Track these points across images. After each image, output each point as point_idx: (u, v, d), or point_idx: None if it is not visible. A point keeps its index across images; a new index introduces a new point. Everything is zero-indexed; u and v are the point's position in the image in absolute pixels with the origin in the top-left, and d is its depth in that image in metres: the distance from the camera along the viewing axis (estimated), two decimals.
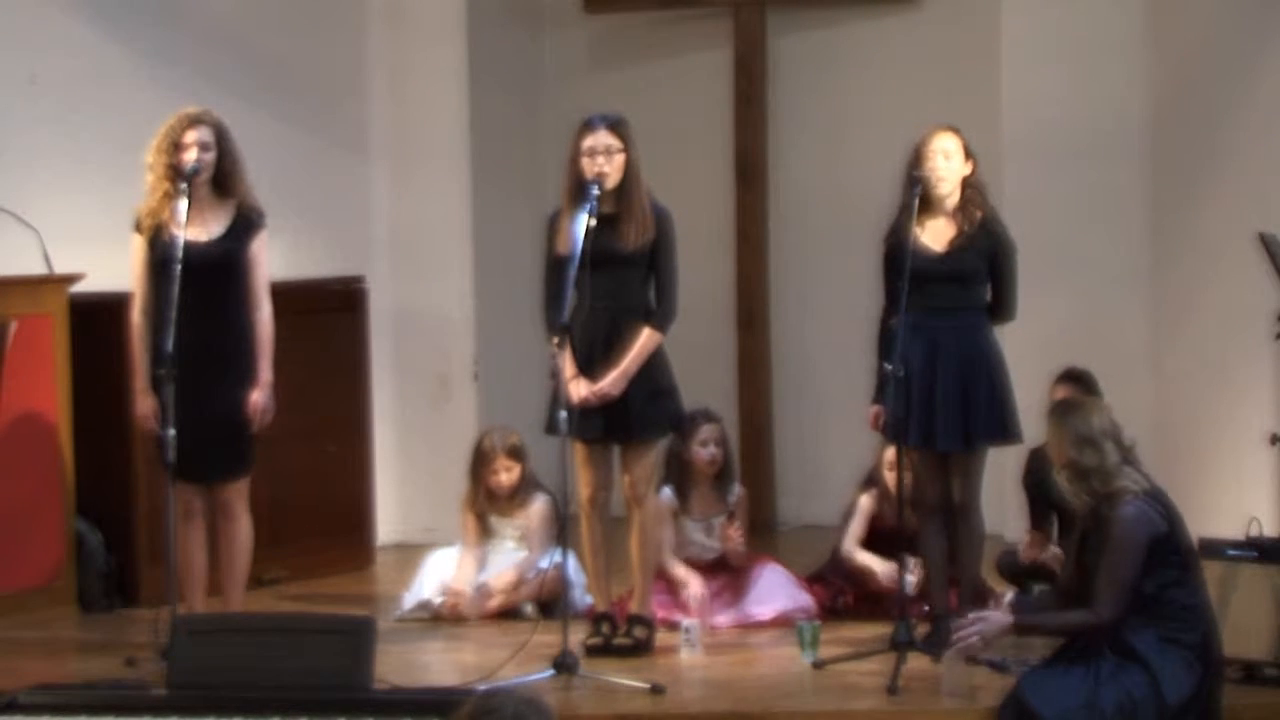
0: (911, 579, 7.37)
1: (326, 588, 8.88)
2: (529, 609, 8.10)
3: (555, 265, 7.24)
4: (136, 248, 7.39)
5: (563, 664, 6.88)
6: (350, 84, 9.92)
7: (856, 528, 8.12)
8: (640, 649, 7.35)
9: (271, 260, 7.51)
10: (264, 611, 7.51)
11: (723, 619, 7.86)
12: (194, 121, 7.33)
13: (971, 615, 6.52)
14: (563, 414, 7.03)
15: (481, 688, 6.19)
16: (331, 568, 9.13)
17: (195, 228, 7.26)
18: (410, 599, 8.21)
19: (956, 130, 7.37)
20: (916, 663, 6.87)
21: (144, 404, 7.30)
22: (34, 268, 8.44)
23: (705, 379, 9.19)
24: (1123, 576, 6.16)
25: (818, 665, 7.13)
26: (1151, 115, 9.41)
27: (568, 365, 7.16)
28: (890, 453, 7.75)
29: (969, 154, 7.34)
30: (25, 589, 8.25)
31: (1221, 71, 9.01)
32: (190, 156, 7.28)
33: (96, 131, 8.71)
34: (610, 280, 7.22)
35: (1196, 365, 9.11)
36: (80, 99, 8.79)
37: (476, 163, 9.97)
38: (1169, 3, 9.34)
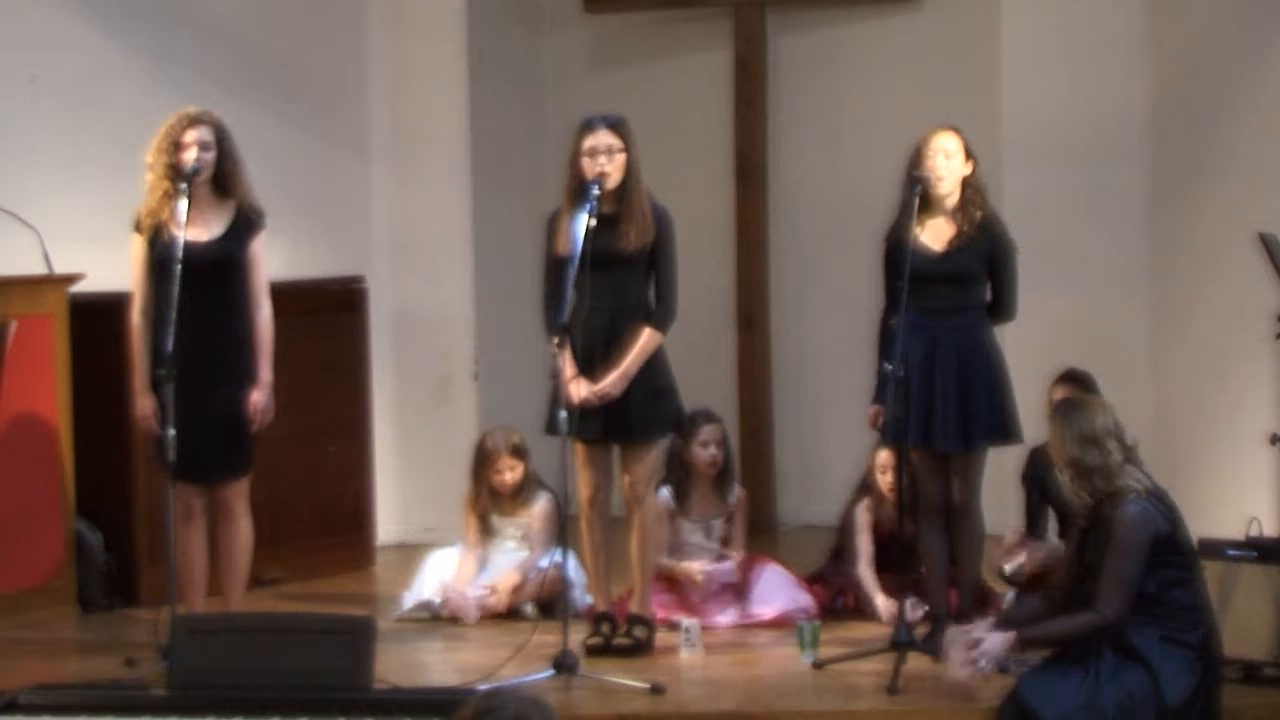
0: (914, 616, 7.30)
1: (326, 588, 8.88)
2: (529, 609, 8.10)
3: (555, 265, 7.24)
4: (136, 248, 7.39)
5: (563, 664, 6.88)
6: (350, 84, 9.93)
7: (865, 545, 8.06)
8: (640, 649, 7.35)
9: (271, 260, 7.51)
10: (264, 611, 7.51)
11: (723, 619, 7.86)
12: (194, 121, 7.32)
13: (973, 636, 6.44)
14: (563, 414, 7.03)
15: (482, 688, 6.19)
16: (331, 568, 9.13)
17: (195, 228, 7.26)
18: (410, 599, 8.21)
19: (957, 130, 7.37)
20: (916, 663, 6.87)
21: (144, 404, 7.30)
22: (34, 268, 8.44)
23: (705, 379, 9.19)
24: (1127, 575, 6.16)
25: (818, 665, 7.13)
26: (1151, 115, 9.41)
27: (568, 365, 7.16)
28: (882, 456, 7.76)
29: (969, 154, 7.35)
30: (25, 589, 8.25)
31: (1221, 72, 9.01)
32: (190, 156, 7.28)
33: (96, 131, 8.71)
34: (610, 280, 7.22)
35: (1196, 365, 9.11)
36: (80, 99, 8.79)
37: (476, 163, 9.98)
38: (1169, 3, 9.34)
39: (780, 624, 7.78)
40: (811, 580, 8.17)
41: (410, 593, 8.25)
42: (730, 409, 9.89)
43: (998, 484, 8.08)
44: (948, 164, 7.30)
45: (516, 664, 7.09)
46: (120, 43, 8.96)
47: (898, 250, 7.23)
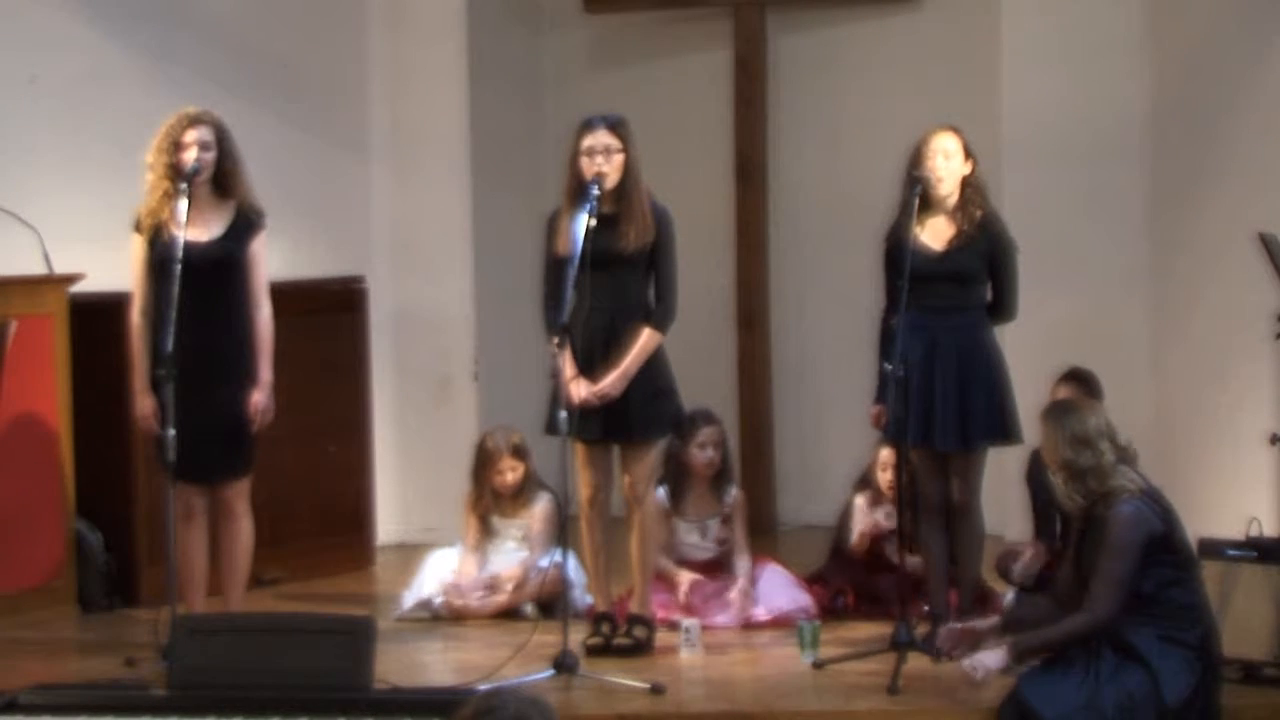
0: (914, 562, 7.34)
1: (326, 588, 8.88)
2: (529, 609, 8.09)
3: (555, 265, 7.24)
4: (136, 248, 7.39)
5: (563, 664, 6.88)
6: (350, 84, 9.93)
7: (858, 525, 8.09)
8: (640, 649, 7.35)
9: (271, 260, 7.51)
10: (264, 611, 7.51)
11: (723, 619, 7.85)
12: (194, 121, 7.32)
13: (966, 662, 6.44)
14: (563, 414, 7.03)
15: (482, 688, 6.19)
16: (331, 568, 9.13)
17: (195, 228, 7.25)
18: (410, 598, 8.21)
19: (956, 130, 7.38)
20: (916, 663, 6.87)
21: (144, 404, 7.30)
22: (34, 268, 8.44)
23: (705, 379, 9.19)
24: (1119, 575, 6.16)
25: (818, 665, 7.13)
26: (1151, 115, 9.41)
27: (568, 365, 7.16)
28: (885, 454, 7.75)
29: (969, 154, 7.35)
30: (25, 589, 8.25)
31: (1221, 72, 9.01)
32: (190, 156, 7.28)
33: (96, 131, 8.71)
34: (610, 280, 7.22)
35: (1196, 365, 9.11)
36: (80, 99, 8.79)
37: (476, 163, 9.98)
38: (1169, 3, 9.34)
39: (780, 624, 7.78)
40: (811, 580, 8.17)
41: (410, 592, 8.25)
42: (730, 409, 9.90)
43: (998, 484, 8.08)
44: (947, 164, 7.31)
45: (516, 664, 7.09)
46: (120, 43, 8.96)
47: (898, 250, 7.23)
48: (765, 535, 9.62)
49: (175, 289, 7.07)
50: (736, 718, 6.67)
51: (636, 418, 7.30)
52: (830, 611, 7.93)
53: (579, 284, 7.04)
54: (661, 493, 7.98)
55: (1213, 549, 6.82)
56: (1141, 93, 9.42)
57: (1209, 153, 9.08)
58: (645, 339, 7.27)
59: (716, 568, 8.12)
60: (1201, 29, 9.18)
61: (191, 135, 7.29)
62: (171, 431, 7.01)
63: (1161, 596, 6.20)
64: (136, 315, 7.38)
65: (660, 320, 7.32)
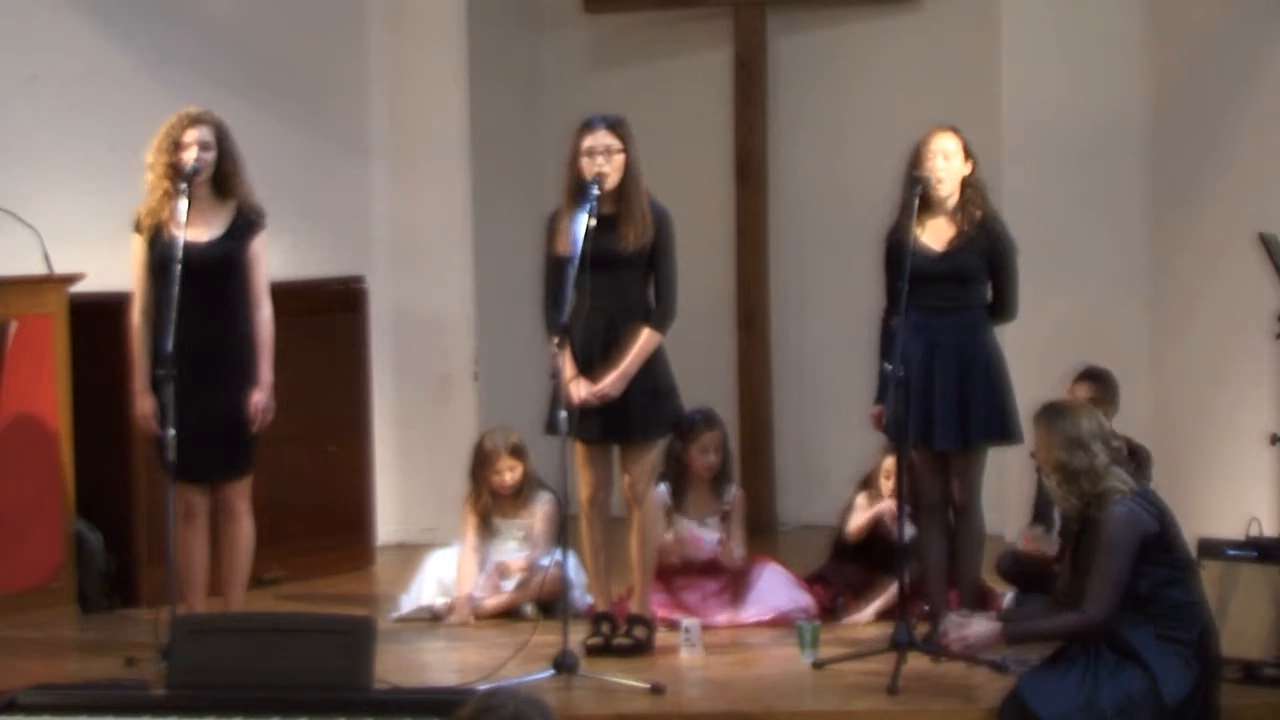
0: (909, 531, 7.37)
1: (326, 588, 8.88)
2: (529, 609, 8.09)
3: (555, 265, 7.25)
4: (136, 248, 7.39)
5: (563, 664, 6.88)
6: (350, 84, 9.92)
7: (859, 518, 8.09)
8: (640, 649, 7.35)
9: (271, 260, 7.51)
10: (264, 611, 7.51)
11: (723, 618, 7.86)
12: (194, 121, 7.33)
13: (960, 618, 6.48)
14: (563, 414, 7.03)
15: (481, 688, 6.19)
16: (331, 568, 9.13)
17: (195, 228, 7.26)
18: (409, 602, 8.21)
19: (956, 130, 7.38)
20: (916, 663, 6.87)
21: (144, 404, 7.30)
22: (34, 268, 8.44)
23: (705, 379, 9.19)
24: (1112, 575, 6.17)
25: (818, 665, 7.13)
26: (1151, 115, 9.41)
27: (568, 365, 7.16)
28: (889, 463, 7.73)
29: (969, 154, 7.35)
30: (25, 589, 8.25)
31: (1222, 71, 9.01)
32: (190, 156, 7.28)
33: (96, 131, 8.71)
34: (610, 280, 7.22)
35: (1196, 365, 9.11)
36: (80, 99, 8.79)
37: (476, 163, 9.97)
38: (1169, 3, 9.34)
39: (780, 624, 7.78)
40: (811, 580, 8.17)
41: (408, 596, 8.25)
42: (730, 409, 9.89)
43: (998, 484, 8.08)
44: (947, 165, 7.31)
45: (516, 664, 7.09)
46: (120, 43, 8.96)
47: (898, 250, 7.23)
48: (765, 535, 9.61)
49: (175, 289, 7.07)
50: (736, 718, 6.68)
51: (636, 418, 7.30)
52: (830, 611, 7.93)
53: (579, 284, 7.04)
54: (663, 489, 7.98)
55: (1213, 549, 6.82)
56: (1141, 92, 9.42)
57: (1209, 153, 9.08)
58: (645, 339, 7.27)
59: (720, 567, 8.12)
60: (1201, 29, 9.18)
61: (192, 135, 7.30)
62: (171, 431, 7.01)
63: (1158, 596, 6.20)
64: (137, 315, 7.38)
65: (660, 320, 7.32)
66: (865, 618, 7.80)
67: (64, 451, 8.37)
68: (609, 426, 7.29)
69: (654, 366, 7.31)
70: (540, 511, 8.25)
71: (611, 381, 7.23)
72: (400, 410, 9.88)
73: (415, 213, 9.95)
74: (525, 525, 8.29)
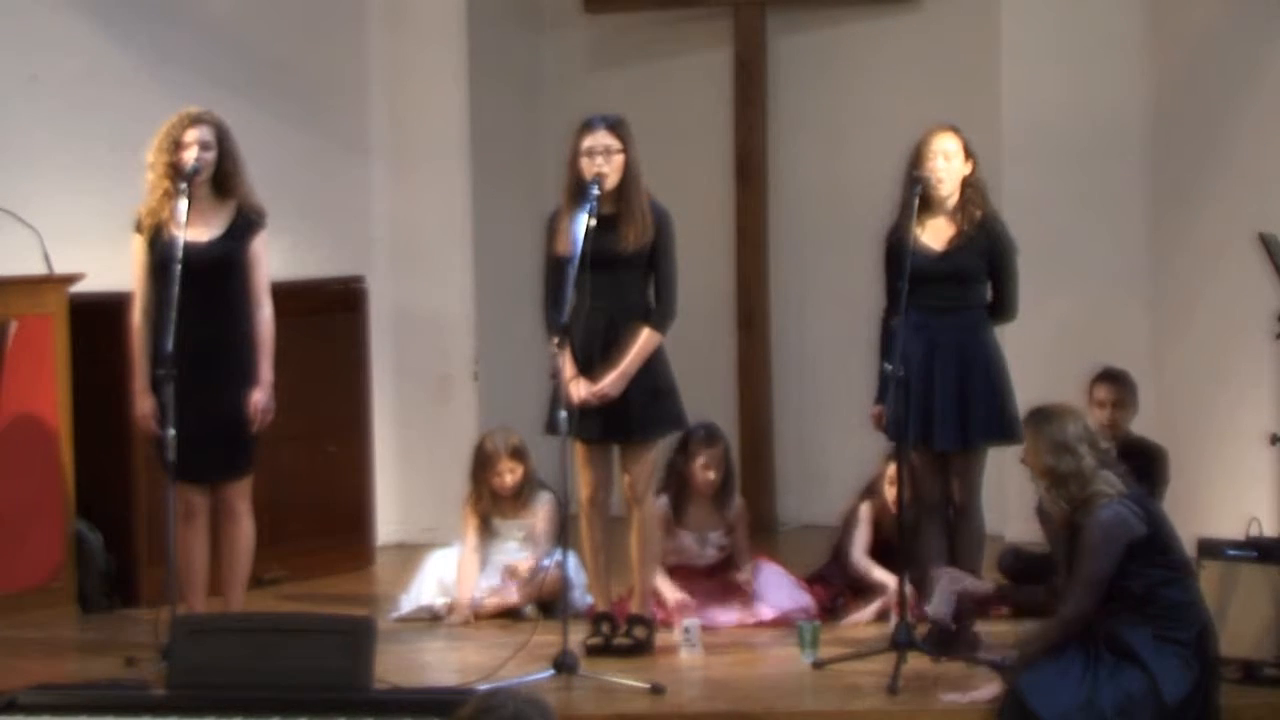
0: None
1: (326, 588, 8.88)
2: (529, 609, 8.09)
3: (555, 265, 7.25)
4: (137, 248, 7.39)
5: (563, 664, 6.88)
6: (350, 84, 9.92)
7: (863, 537, 8.09)
8: (640, 649, 7.35)
9: (272, 260, 7.51)
10: (264, 611, 7.50)
11: (723, 618, 7.85)
12: (195, 121, 7.32)
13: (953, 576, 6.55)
14: (563, 414, 7.03)
15: (481, 688, 6.19)
16: (331, 568, 9.13)
17: (196, 228, 7.25)
18: (409, 602, 8.20)
19: (956, 130, 7.38)
20: (916, 663, 6.87)
21: (143, 404, 7.30)
22: (34, 268, 8.44)
23: (705, 379, 9.20)
24: (1089, 575, 6.20)
25: (818, 665, 7.13)
26: (1151, 115, 9.41)
27: (568, 365, 7.16)
28: (892, 470, 7.72)
29: (969, 154, 7.35)
30: (25, 589, 8.25)
31: (1222, 71, 9.01)
32: (190, 156, 7.27)
33: (96, 131, 8.71)
34: (609, 280, 7.22)
35: (1196, 365, 9.11)
36: (80, 99, 8.79)
37: (476, 163, 9.97)
38: (1169, 3, 9.34)
39: (780, 624, 7.77)
40: (811, 580, 8.17)
41: (408, 596, 8.24)
42: (730, 409, 9.90)
43: (998, 484, 8.08)
44: (948, 165, 7.31)
45: (516, 664, 7.09)
46: (120, 43, 8.96)
47: (898, 250, 7.23)
48: (765, 536, 9.61)
49: (175, 289, 7.07)
50: (736, 718, 6.68)
51: (636, 418, 7.30)
52: (830, 611, 7.93)
53: (579, 284, 7.04)
54: (664, 502, 7.97)
55: (1213, 549, 6.83)
56: (1141, 93, 9.41)
57: (1209, 153, 9.08)
58: (645, 339, 7.27)
59: (720, 568, 8.12)
60: (1201, 29, 9.17)
61: (192, 135, 7.29)
62: (171, 431, 7.01)
63: (1156, 597, 6.21)
64: (137, 315, 7.38)
65: (660, 320, 7.32)
66: (866, 617, 7.80)
67: (64, 451, 8.37)
68: (609, 426, 7.29)
69: (654, 366, 7.31)
70: (540, 512, 8.25)
71: (611, 381, 7.23)
72: (400, 410, 9.87)
73: (415, 213, 9.95)
74: (525, 526, 8.29)
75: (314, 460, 9.07)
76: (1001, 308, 7.46)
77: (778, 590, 7.99)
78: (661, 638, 7.47)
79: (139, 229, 7.37)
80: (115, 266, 7.65)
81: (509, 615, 8.09)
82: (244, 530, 7.46)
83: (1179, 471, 8.12)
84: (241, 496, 7.44)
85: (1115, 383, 8.02)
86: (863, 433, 7.89)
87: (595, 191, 7.13)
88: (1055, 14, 9.51)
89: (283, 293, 7.67)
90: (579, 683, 6.86)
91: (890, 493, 7.86)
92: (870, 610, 7.82)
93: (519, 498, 8.28)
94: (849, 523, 8.20)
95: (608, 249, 7.17)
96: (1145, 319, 9.41)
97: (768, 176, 10.34)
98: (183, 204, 7.20)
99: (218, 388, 7.26)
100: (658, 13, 10.61)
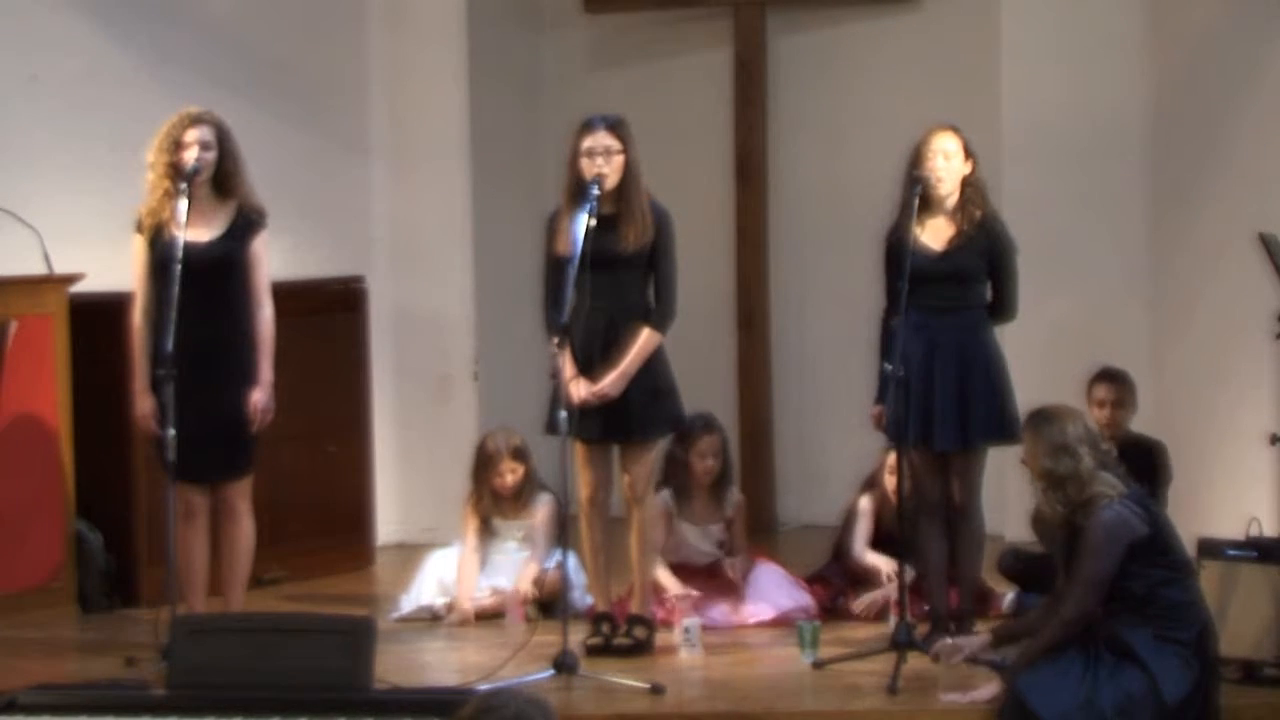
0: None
1: (326, 588, 8.88)
2: (529, 609, 8.08)
3: (555, 265, 7.25)
4: (137, 248, 7.38)
5: (563, 664, 6.88)
6: (350, 84, 9.92)
7: (863, 529, 8.11)
8: (640, 649, 7.35)
9: (272, 260, 7.50)
10: (264, 611, 7.50)
11: (722, 619, 7.85)
12: (195, 121, 7.32)
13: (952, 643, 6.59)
14: (563, 414, 7.03)
15: (482, 688, 6.19)
16: (331, 568, 9.13)
17: (196, 228, 7.25)
18: (409, 602, 8.21)
19: (956, 130, 7.38)
20: (916, 663, 6.87)
21: (143, 404, 7.30)
22: (34, 268, 8.44)
23: (705, 379, 9.19)
24: (1088, 575, 6.20)
25: (818, 665, 7.13)
26: (1151, 115, 9.41)
27: (568, 365, 7.16)
28: (892, 459, 7.74)
29: (968, 153, 7.35)
30: (25, 589, 8.25)
31: (1222, 72, 9.01)
32: (191, 156, 7.27)
33: (96, 131, 8.71)
34: (609, 281, 7.22)
35: (1196, 365, 9.11)
36: (80, 99, 8.79)
37: (476, 163, 9.97)
38: (1169, 3, 9.34)
39: (780, 624, 7.77)
40: (811, 580, 8.17)
41: (408, 596, 8.24)
42: (730, 409, 9.90)
43: (998, 484, 8.08)
44: (948, 165, 7.31)
45: (516, 664, 7.09)
46: (120, 43, 8.96)
47: (898, 250, 7.23)
48: (765, 535, 9.62)
49: (175, 289, 7.07)
50: (736, 718, 6.67)
51: (636, 418, 7.30)
52: (830, 611, 7.93)
53: (579, 284, 7.04)
54: (666, 494, 7.98)
55: (1213, 549, 6.82)
56: (1141, 93, 9.42)
57: (1209, 153, 9.08)
58: (645, 339, 7.27)
59: (717, 569, 8.12)
60: (1201, 29, 9.18)
61: (192, 135, 7.29)
62: (171, 431, 7.01)
63: (1156, 597, 6.21)
64: (138, 315, 7.38)
65: (660, 320, 7.32)
66: (870, 601, 7.76)
67: (64, 451, 8.37)
68: (609, 426, 7.29)
69: (654, 366, 7.31)
70: (540, 512, 8.25)
71: (612, 381, 7.23)
72: (400, 410, 9.87)
73: (415, 213, 9.95)
74: (525, 526, 8.29)
75: (314, 460, 9.07)
76: (1001, 308, 7.45)
77: (778, 590, 7.99)
78: (661, 638, 7.48)
79: (139, 229, 7.37)
80: (115, 266, 7.65)
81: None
82: (244, 530, 7.46)
83: (1179, 471, 8.11)
84: (241, 496, 7.44)
85: (1114, 382, 8.03)
86: (863, 433, 7.89)
87: (595, 191, 7.13)
88: (1055, 14, 9.51)
89: (283, 293, 7.66)
90: (579, 683, 6.86)
91: (890, 482, 7.86)
92: (875, 596, 7.78)
93: (519, 498, 8.29)
94: (850, 517, 8.21)
95: (608, 249, 7.17)
96: (1145, 319, 9.41)
97: (768, 176, 10.34)
98: (183, 204, 7.19)
99: (218, 388, 7.26)
100: (658, 13, 10.61)
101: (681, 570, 8.05)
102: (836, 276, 10.09)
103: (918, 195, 7.24)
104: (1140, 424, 8.24)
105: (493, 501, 8.30)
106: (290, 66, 9.62)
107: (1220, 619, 6.48)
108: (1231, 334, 8.75)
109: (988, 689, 6.44)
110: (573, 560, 7.68)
